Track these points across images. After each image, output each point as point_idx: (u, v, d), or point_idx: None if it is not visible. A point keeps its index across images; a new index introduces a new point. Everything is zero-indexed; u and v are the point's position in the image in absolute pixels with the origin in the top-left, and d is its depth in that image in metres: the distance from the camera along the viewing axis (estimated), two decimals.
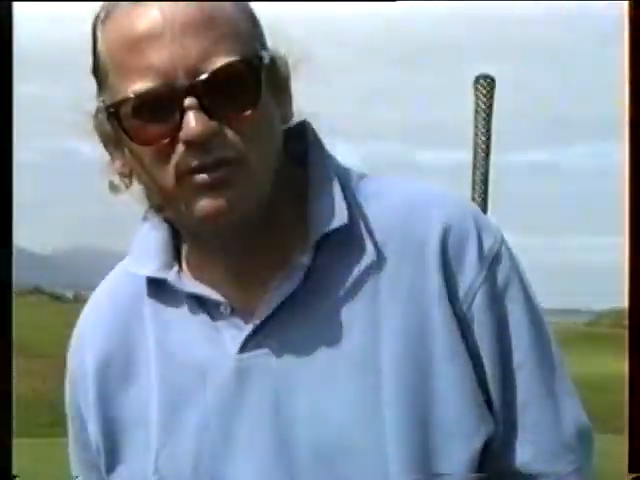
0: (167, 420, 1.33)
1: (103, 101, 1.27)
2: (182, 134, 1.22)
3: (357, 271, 1.29)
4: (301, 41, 1.30)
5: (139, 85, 1.22)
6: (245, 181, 1.24)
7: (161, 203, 1.32)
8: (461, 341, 1.27)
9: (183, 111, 1.22)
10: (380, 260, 1.29)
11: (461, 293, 1.28)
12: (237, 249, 1.30)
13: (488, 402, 1.28)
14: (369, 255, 1.29)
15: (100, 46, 1.27)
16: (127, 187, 1.32)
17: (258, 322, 1.29)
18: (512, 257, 1.32)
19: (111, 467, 1.38)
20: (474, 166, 2.05)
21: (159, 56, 1.22)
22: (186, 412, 1.31)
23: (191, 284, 1.33)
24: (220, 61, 1.22)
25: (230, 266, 1.32)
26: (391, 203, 1.32)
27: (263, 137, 1.26)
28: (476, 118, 2.09)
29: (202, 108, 1.21)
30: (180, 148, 1.23)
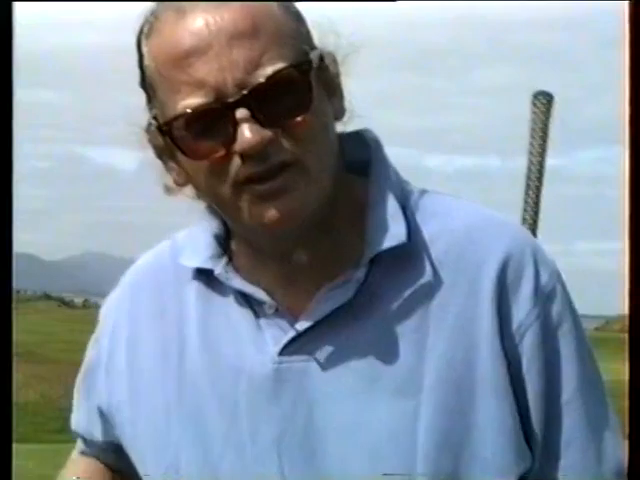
0: (196, 410, 1.32)
1: (155, 117, 1.27)
2: (237, 146, 1.21)
3: (409, 291, 1.27)
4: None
5: (189, 101, 1.21)
6: (304, 185, 1.23)
7: (217, 208, 1.31)
8: (506, 375, 1.25)
9: (236, 123, 1.21)
10: (434, 283, 1.28)
11: (513, 327, 1.26)
12: (290, 252, 1.30)
13: (527, 437, 1.26)
14: (423, 277, 1.28)
15: (146, 61, 1.27)
16: (180, 190, 1.32)
17: (303, 327, 1.28)
18: (566, 293, 1.30)
19: (131, 438, 1.38)
20: (527, 186, 1.99)
21: (208, 70, 1.21)
22: (218, 404, 1.31)
23: (237, 279, 1.32)
24: (268, 70, 1.21)
25: (280, 267, 1.31)
26: (451, 226, 1.31)
27: (318, 139, 1.25)
28: (532, 136, 2.03)
29: (255, 118, 1.21)
30: (236, 160, 1.22)
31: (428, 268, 1.28)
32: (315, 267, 1.29)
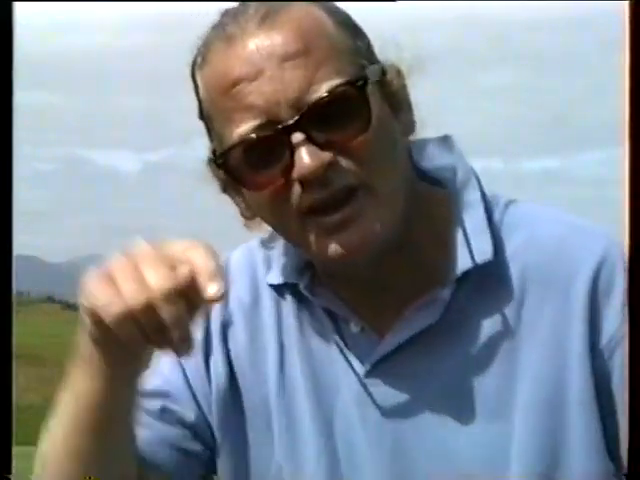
0: (292, 422, 1.29)
1: (214, 151, 1.23)
2: (295, 172, 1.16)
3: (498, 310, 1.23)
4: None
5: (243, 128, 1.17)
6: (373, 211, 1.17)
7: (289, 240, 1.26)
8: (596, 392, 1.20)
9: (293, 148, 1.15)
10: (523, 299, 1.23)
11: (603, 341, 1.21)
12: (370, 274, 1.25)
13: (612, 455, 1.22)
14: (511, 294, 1.23)
15: (202, 93, 1.23)
16: (258, 225, 1.27)
17: (389, 349, 1.24)
18: None
19: (223, 438, 1.32)
20: None
21: (259, 95, 1.16)
22: (313, 421, 1.28)
23: (322, 295, 1.28)
24: (323, 87, 1.15)
25: (363, 286, 1.26)
26: (538, 238, 1.25)
27: (384, 158, 1.18)
28: None
29: (311, 141, 1.15)
30: (297, 188, 1.17)
31: (516, 284, 1.23)
32: (399, 285, 1.25)
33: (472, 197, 1.26)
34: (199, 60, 1.23)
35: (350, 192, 1.17)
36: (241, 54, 1.18)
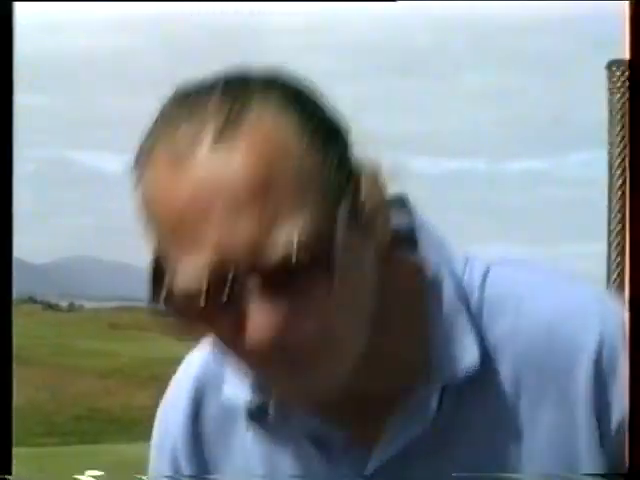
0: None
1: (157, 260, 1.04)
2: (248, 334, 1.01)
3: (489, 414, 1.13)
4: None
5: (190, 264, 1.00)
6: (331, 359, 1.05)
7: None
8: None
9: (245, 302, 1.00)
10: (517, 396, 1.12)
11: (613, 429, 1.11)
12: (339, 385, 1.10)
13: None
14: (502, 395, 1.13)
15: (141, 192, 1.05)
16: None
17: (379, 464, 1.15)
18: None
19: None
20: (609, 185, 1.49)
21: (208, 238, 0.99)
22: None
23: (295, 416, 1.16)
24: (280, 244, 0.99)
25: (337, 398, 1.09)
26: (527, 321, 1.13)
27: (350, 303, 1.04)
28: (610, 124, 1.47)
29: (266, 298, 1.00)
30: (248, 338, 1.02)
31: (507, 381, 1.13)
32: (379, 389, 1.14)
33: (448, 283, 1.13)
34: (141, 160, 1.05)
35: (307, 341, 1.02)
36: (188, 187, 1.01)
